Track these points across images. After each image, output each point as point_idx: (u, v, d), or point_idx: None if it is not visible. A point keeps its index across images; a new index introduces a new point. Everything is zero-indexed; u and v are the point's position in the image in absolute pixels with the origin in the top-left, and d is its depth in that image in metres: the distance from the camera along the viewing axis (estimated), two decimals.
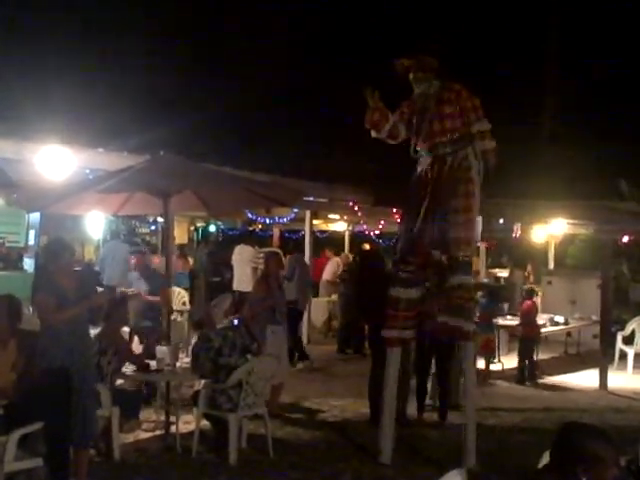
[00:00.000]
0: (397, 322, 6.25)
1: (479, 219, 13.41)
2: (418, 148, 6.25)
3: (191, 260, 15.62)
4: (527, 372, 10.42)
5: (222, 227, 20.92)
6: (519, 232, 15.27)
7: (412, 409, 7.82)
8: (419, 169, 6.22)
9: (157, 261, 12.61)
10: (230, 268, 14.60)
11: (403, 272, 6.21)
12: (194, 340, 7.62)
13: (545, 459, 3.20)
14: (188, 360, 6.67)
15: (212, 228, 21.04)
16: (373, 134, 6.24)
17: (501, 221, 14.69)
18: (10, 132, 8.90)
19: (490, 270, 17.95)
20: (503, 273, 17.30)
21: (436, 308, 7.25)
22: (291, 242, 17.86)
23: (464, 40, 21.74)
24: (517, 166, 20.83)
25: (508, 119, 22.32)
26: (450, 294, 6.05)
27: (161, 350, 6.56)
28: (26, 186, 8.11)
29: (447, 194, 5.92)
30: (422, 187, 6.08)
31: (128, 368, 6.46)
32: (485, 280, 15.20)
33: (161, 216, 10.16)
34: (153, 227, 18.51)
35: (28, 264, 12.75)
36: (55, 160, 8.45)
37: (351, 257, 15.10)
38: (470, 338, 6.14)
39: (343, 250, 17.33)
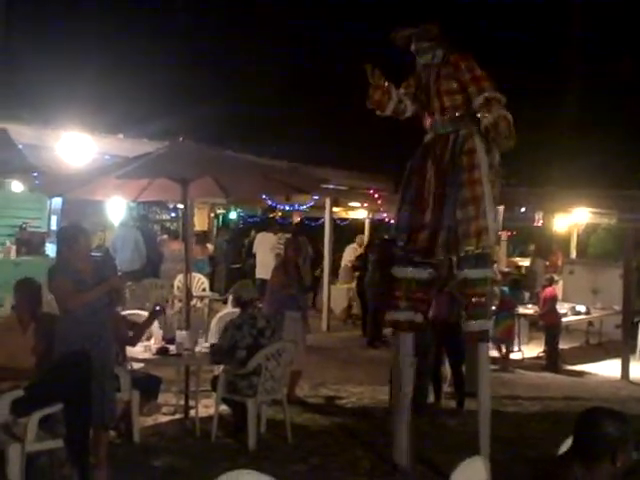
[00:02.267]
0: (404, 304, 5.83)
1: (500, 208, 13.41)
2: (425, 125, 5.83)
3: (210, 247, 15.68)
4: (550, 360, 10.43)
5: (242, 214, 20.96)
6: (541, 221, 15.17)
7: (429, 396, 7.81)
8: (422, 145, 5.81)
9: (176, 247, 12.66)
10: (251, 255, 14.65)
11: (410, 252, 5.77)
12: (214, 325, 7.65)
13: (565, 446, 3.17)
14: (207, 345, 6.67)
15: (232, 215, 21.07)
16: (378, 113, 5.86)
17: (522, 209, 14.59)
18: (33, 119, 8.98)
19: (511, 259, 17.85)
20: (524, 262, 17.20)
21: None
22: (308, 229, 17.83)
23: (488, 25, 21.59)
24: (540, 154, 20.73)
25: (532, 106, 22.25)
26: (459, 291, 5.66)
27: (180, 335, 6.58)
28: (48, 172, 8.17)
29: (452, 183, 5.46)
30: (424, 167, 5.67)
31: (147, 353, 6.50)
32: (506, 269, 15.11)
33: (181, 202, 10.21)
34: (173, 214, 18.58)
35: (50, 249, 12.84)
36: (76, 146, 8.52)
37: (366, 242, 15.12)
38: (484, 339, 5.62)
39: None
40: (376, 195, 13.72)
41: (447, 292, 7.30)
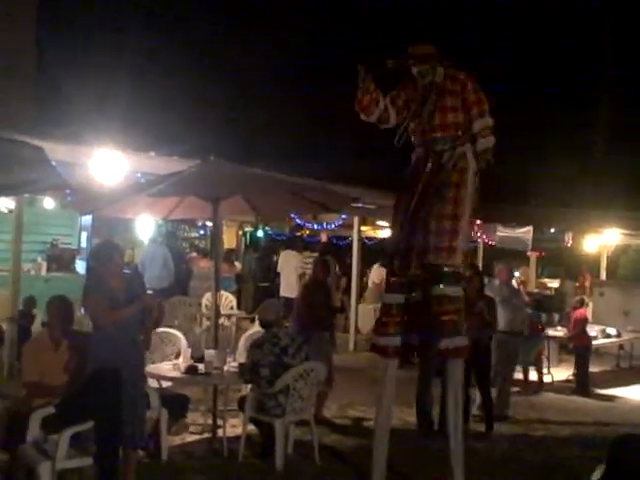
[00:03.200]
0: (392, 329, 5.57)
1: (529, 228, 13.33)
2: (412, 138, 5.69)
3: (238, 264, 15.74)
4: (580, 384, 10.31)
5: (270, 232, 21.04)
6: (570, 241, 15.05)
7: None
8: (413, 161, 5.70)
9: (204, 264, 12.71)
10: (277, 274, 14.66)
11: (392, 276, 5.62)
12: (242, 343, 7.66)
13: (597, 474, 3.12)
14: (236, 364, 6.68)
15: (260, 233, 21.15)
16: (362, 117, 5.70)
17: (552, 230, 14.49)
18: (66, 136, 9.11)
19: (540, 280, 17.70)
20: (554, 283, 17.04)
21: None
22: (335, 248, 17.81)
23: (518, 46, 21.57)
24: (570, 175, 20.61)
25: (563, 128, 22.15)
26: (430, 308, 5.40)
27: (209, 353, 6.59)
28: (80, 189, 8.27)
29: (436, 196, 5.42)
30: (414, 184, 5.55)
31: (175, 371, 6.52)
32: (535, 290, 14.99)
33: (210, 220, 10.25)
34: (202, 231, 18.69)
35: (80, 266, 12.99)
36: (108, 164, 8.62)
37: None
38: (459, 356, 5.50)
39: None
40: None
41: (477, 314, 7.26)
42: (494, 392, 8.17)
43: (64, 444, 4.74)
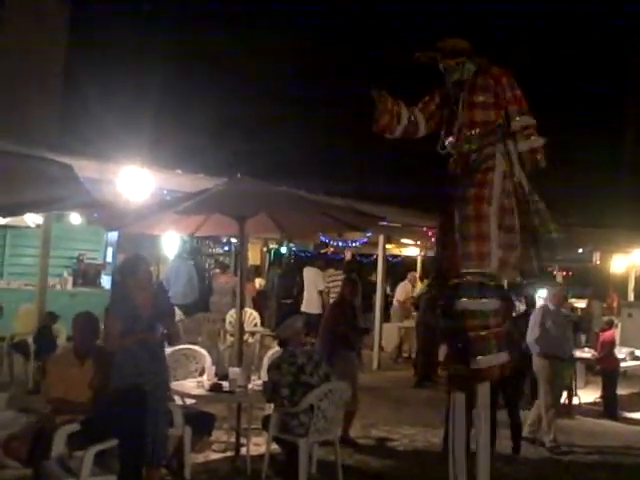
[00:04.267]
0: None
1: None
2: (446, 143, 5.18)
3: (259, 280, 15.78)
4: (607, 406, 10.15)
5: (294, 249, 21.06)
6: (598, 261, 14.90)
7: None
8: (447, 174, 5.17)
9: (224, 280, 12.71)
10: (300, 290, 14.67)
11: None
12: (266, 361, 7.63)
13: None
14: (260, 382, 6.65)
15: (284, 250, 21.18)
16: (387, 136, 5.23)
17: (580, 250, 14.34)
18: (94, 153, 9.20)
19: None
20: (580, 304, 16.84)
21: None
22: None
23: (543, 63, 21.48)
24: (597, 194, 20.44)
25: (589, 146, 21.98)
26: (457, 324, 4.82)
27: (233, 371, 6.57)
28: (107, 206, 8.34)
29: (460, 201, 4.89)
30: (448, 196, 5.07)
31: (200, 389, 6.50)
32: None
33: (235, 237, 10.26)
34: (227, 248, 18.75)
35: (106, 281, 13.08)
36: (135, 181, 8.69)
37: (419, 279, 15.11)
38: (485, 377, 4.90)
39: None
40: (430, 233, 13.63)
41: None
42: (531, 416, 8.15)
43: (89, 461, 4.73)
